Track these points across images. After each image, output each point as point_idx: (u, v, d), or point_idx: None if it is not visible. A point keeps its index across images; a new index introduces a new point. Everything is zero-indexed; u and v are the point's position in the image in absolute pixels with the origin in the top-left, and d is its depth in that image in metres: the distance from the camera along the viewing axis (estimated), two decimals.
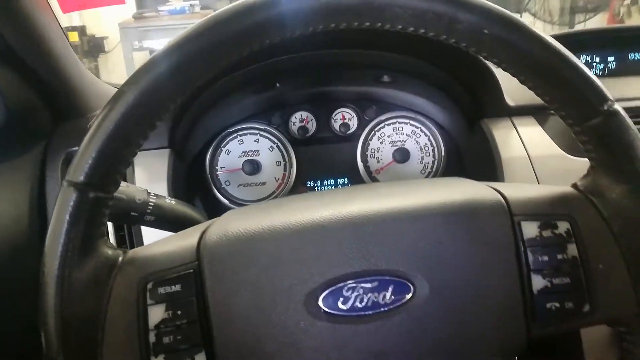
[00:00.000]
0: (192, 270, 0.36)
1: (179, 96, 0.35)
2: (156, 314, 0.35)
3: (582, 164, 0.61)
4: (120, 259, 0.37)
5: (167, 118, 0.64)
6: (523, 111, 0.65)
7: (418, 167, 0.77)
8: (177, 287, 0.36)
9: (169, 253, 0.38)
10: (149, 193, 0.48)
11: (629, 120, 0.36)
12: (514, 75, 0.37)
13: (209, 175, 0.76)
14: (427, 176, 0.77)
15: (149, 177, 0.63)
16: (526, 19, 3.31)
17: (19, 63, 0.60)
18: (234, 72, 0.66)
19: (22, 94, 0.62)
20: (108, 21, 3.31)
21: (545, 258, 0.36)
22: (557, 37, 0.69)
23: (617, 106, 0.36)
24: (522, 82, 0.37)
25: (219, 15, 0.34)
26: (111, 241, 0.45)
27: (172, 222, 0.49)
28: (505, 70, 0.37)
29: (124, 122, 0.34)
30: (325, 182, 0.78)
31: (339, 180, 0.78)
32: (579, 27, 3.27)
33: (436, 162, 0.76)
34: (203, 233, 0.38)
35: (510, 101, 0.64)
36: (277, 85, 0.70)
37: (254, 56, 0.64)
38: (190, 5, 3.18)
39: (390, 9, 0.34)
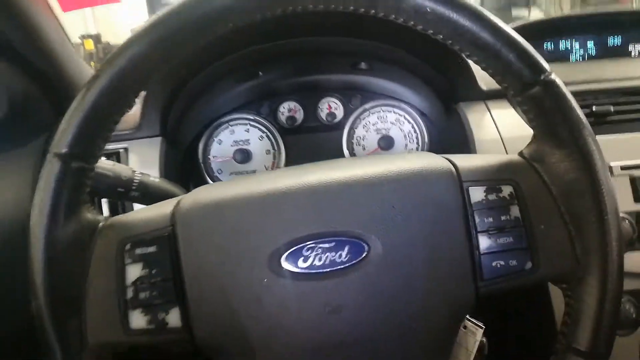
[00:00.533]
0: (166, 234, 0.39)
1: (149, 76, 0.39)
2: (133, 271, 0.39)
3: None
4: (101, 224, 0.41)
5: (157, 107, 0.68)
6: (497, 94, 0.67)
7: None
8: (153, 249, 0.39)
9: (146, 219, 0.41)
10: (134, 171, 0.52)
11: (565, 89, 0.38)
12: (460, 52, 0.40)
13: (202, 164, 0.79)
14: None
15: (141, 163, 0.67)
16: (535, 14, 3.28)
17: (20, 58, 0.65)
18: (217, 60, 0.70)
19: (23, 87, 0.66)
20: (122, 29, 3.41)
21: (490, 219, 0.39)
22: (537, 23, 0.71)
23: (554, 76, 0.38)
24: (467, 57, 0.40)
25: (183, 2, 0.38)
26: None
27: (156, 198, 0.53)
28: (451, 46, 0.40)
29: (101, 99, 0.38)
30: None
31: None
32: None
33: (419, 148, 0.79)
34: (177, 203, 0.42)
35: (483, 85, 0.67)
36: (260, 73, 0.74)
37: (235, 44, 0.68)
38: None
39: None
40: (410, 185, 0.40)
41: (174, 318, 0.38)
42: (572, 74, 0.72)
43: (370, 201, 0.39)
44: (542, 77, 0.38)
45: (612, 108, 0.66)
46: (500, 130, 0.64)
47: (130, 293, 0.38)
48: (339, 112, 0.80)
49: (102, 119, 0.39)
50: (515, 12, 3.43)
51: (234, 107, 0.79)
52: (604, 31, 0.77)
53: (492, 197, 0.39)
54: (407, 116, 0.79)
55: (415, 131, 0.79)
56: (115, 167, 0.50)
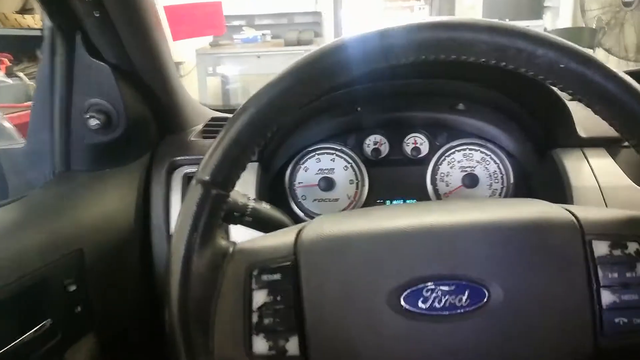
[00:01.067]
0: (289, 263, 0.42)
1: (288, 111, 0.42)
2: (259, 297, 0.41)
3: None
4: (231, 249, 0.44)
5: None
6: (594, 142, 0.67)
7: (486, 193, 0.79)
8: (277, 276, 0.41)
9: (271, 247, 0.44)
10: (248, 198, 0.55)
11: None
12: (587, 106, 0.40)
13: (288, 189, 0.82)
14: None
15: (240, 186, 0.70)
16: (599, 55, 3.22)
17: (139, 80, 0.70)
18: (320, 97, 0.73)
19: (138, 108, 0.71)
20: (184, 48, 3.56)
21: (615, 275, 0.39)
22: (630, 73, 0.70)
23: None
24: (595, 113, 0.41)
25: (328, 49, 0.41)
26: None
27: (266, 224, 0.55)
28: (579, 101, 0.41)
29: (244, 132, 0.41)
30: (395, 202, 0.82)
31: (407, 201, 0.82)
32: None
33: (505, 189, 0.79)
34: (299, 232, 0.44)
35: (582, 132, 0.67)
36: (358, 109, 0.76)
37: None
38: (262, 34, 3.37)
39: (477, 45, 0.39)
40: (531, 234, 0.40)
41: (292, 346, 0.39)
42: None
43: (491, 246, 0.40)
44: None
45: None
46: (599, 179, 0.64)
47: (255, 318, 0.40)
48: (424, 148, 0.81)
49: (243, 150, 0.42)
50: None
51: (322, 137, 0.82)
52: None
53: (617, 252, 0.39)
54: (493, 156, 0.79)
55: (501, 172, 0.79)
56: (233, 192, 0.53)
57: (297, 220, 0.81)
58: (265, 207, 0.56)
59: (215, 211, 0.42)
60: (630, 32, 3.13)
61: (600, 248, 0.40)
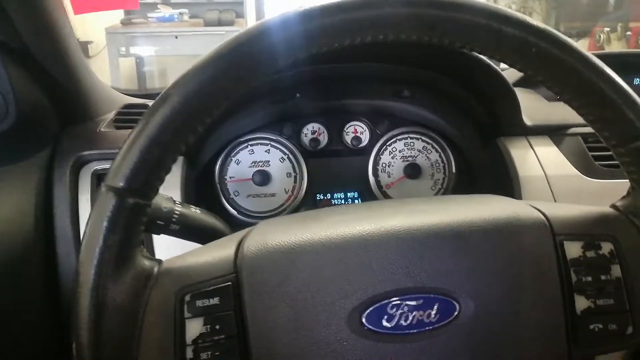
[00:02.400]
0: (230, 283, 0.35)
1: (220, 102, 0.35)
2: (194, 327, 0.34)
3: (598, 185, 0.63)
4: (155, 269, 0.36)
5: None
6: (539, 131, 0.66)
7: (429, 184, 0.77)
8: (216, 300, 0.35)
9: (205, 264, 0.36)
10: (174, 201, 0.47)
11: None
12: (557, 94, 0.37)
13: (218, 185, 0.74)
14: (437, 192, 0.77)
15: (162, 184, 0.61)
16: None
17: (32, 62, 0.58)
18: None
19: (33, 95, 0.59)
20: (93, 26, 3.26)
21: (589, 278, 0.36)
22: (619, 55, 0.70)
23: None
24: (565, 101, 0.38)
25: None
26: None
27: (197, 232, 0.48)
28: (548, 88, 0.37)
29: (168, 126, 0.33)
30: (336, 195, 0.77)
31: (349, 194, 0.77)
32: None
33: (446, 179, 0.77)
34: (240, 244, 0.37)
35: (527, 120, 0.65)
36: (297, 95, 0.69)
37: None
38: (180, 13, 3.16)
39: (442, 24, 0.34)
40: (501, 237, 0.37)
41: None
42: None
43: (460, 253, 0.36)
44: None
45: None
46: (545, 168, 0.63)
47: (190, 353, 0.33)
48: (365, 137, 0.77)
49: (167, 148, 0.34)
50: None
51: (255, 127, 0.74)
52: (630, 72, 0.78)
53: (590, 254, 0.37)
54: (434, 144, 0.77)
55: (442, 161, 0.77)
56: (156, 196, 0.45)
57: (230, 219, 0.74)
58: (194, 211, 0.48)
59: (134, 225, 0.34)
60: (537, 21, 3.33)
61: (573, 249, 0.37)
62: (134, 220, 0.34)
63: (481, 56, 0.59)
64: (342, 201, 0.77)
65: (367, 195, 0.77)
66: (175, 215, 0.46)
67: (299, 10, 0.34)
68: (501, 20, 0.34)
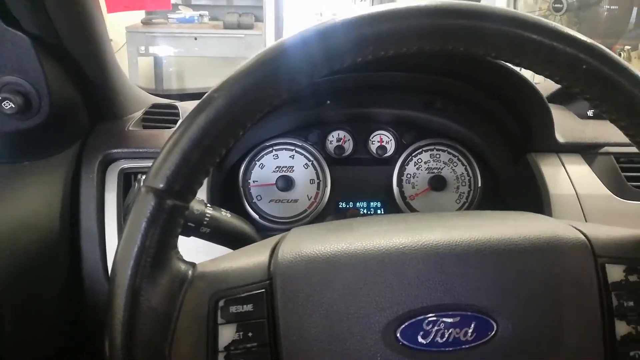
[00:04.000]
0: (264, 290, 0.34)
1: (263, 107, 0.34)
2: (227, 334, 0.33)
3: (630, 207, 0.62)
4: (190, 272, 0.35)
5: None
6: (571, 148, 0.65)
7: (453, 197, 0.76)
8: (249, 307, 0.34)
9: (240, 269, 0.36)
10: (206, 204, 0.46)
11: None
12: (603, 112, 0.36)
13: (242, 188, 0.74)
14: (462, 206, 0.76)
15: None
16: None
17: (67, 59, 0.58)
18: None
19: (66, 91, 0.60)
20: (113, 24, 3.29)
21: (631, 303, 0.35)
22: None
23: None
24: (612, 121, 0.37)
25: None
26: None
27: (227, 237, 0.47)
28: (595, 107, 0.37)
29: (211, 130, 0.33)
30: (358, 204, 0.77)
31: (372, 204, 0.77)
32: None
33: (472, 192, 0.76)
34: (274, 250, 0.37)
35: (559, 137, 0.64)
36: (328, 102, 0.69)
37: None
38: (200, 15, 3.19)
39: (491, 37, 0.34)
40: (542, 257, 0.36)
41: None
42: None
43: (499, 271, 0.35)
44: None
45: None
46: (576, 187, 0.62)
47: (221, 359, 0.33)
48: (390, 147, 0.76)
49: (208, 152, 0.34)
50: None
51: (281, 131, 0.74)
52: None
53: (633, 278, 0.36)
54: (460, 157, 0.76)
55: (468, 174, 0.76)
56: None
57: (251, 224, 0.73)
58: (225, 215, 0.48)
59: (171, 227, 0.34)
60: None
61: (614, 273, 0.36)
62: (172, 222, 0.34)
63: (515, 68, 0.58)
64: (365, 210, 0.77)
65: (390, 205, 0.76)
66: (206, 218, 0.45)
67: (336, 20, 0.33)
68: (553, 35, 0.34)
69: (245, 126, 0.34)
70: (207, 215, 0.45)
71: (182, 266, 0.35)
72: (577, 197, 0.61)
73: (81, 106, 0.64)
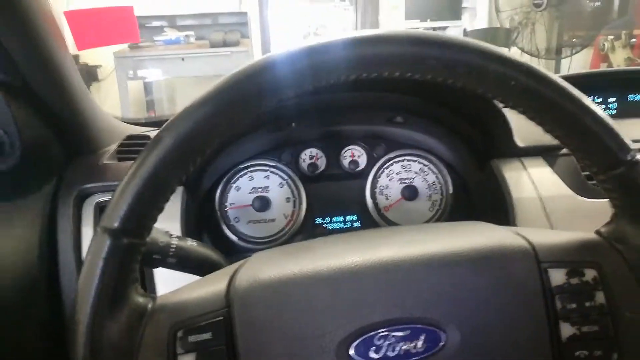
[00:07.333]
0: (222, 318, 0.36)
1: (213, 141, 0.36)
2: None
3: (592, 205, 0.64)
4: (150, 305, 0.37)
5: None
6: (532, 152, 0.67)
7: (426, 205, 0.77)
8: (208, 335, 0.35)
9: (198, 299, 0.37)
10: (170, 235, 0.48)
11: None
12: (538, 124, 0.38)
13: (219, 212, 0.75)
14: (435, 214, 0.77)
15: (162, 215, 0.63)
16: (514, 52, 3.39)
17: (34, 98, 0.60)
18: None
19: (36, 129, 0.61)
20: (101, 50, 3.32)
21: (574, 305, 0.36)
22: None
23: None
24: (546, 131, 0.38)
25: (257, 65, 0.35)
26: None
27: (194, 265, 0.49)
28: (530, 119, 0.38)
29: (161, 168, 0.34)
30: (335, 218, 0.78)
31: (347, 217, 0.78)
32: (565, 61, 3.37)
33: (444, 200, 0.77)
34: (232, 278, 0.38)
35: (519, 142, 0.66)
36: (293, 125, 0.71)
37: None
38: (186, 35, 3.22)
39: (425, 62, 0.35)
40: (487, 266, 0.37)
41: None
42: None
43: (446, 283, 0.36)
44: (629, 157, 0.36)
45: None
46: (539, 189, 0.63)
47: None
48: (362, 161, 0.78)
49: (159, 189, 0.35)
50: None
51: (254, 153, 0.76)
52: (626, 90, 0.78)
53: (574, 281, 0.37)
54: (431, 166, 0.78)
55: (439, 182, 0.77)
56: (152, 230, 0.46)
57: (231, 246, 0.75)
58: (191, 244, 0.49)
59: (128, 264, 0.35)
60: (540, 31, 3.34)
61: (557, 276, 0.37)
62: (129, 260, 0.35)
63: None
64: (342, 224, 0.78)
65: (365, 218, 0.78)
66: (172, 249, 0.47)
67: (294, 49, 0.35)
68: (482, 56, 0.35)
69: (195, 161, 0.35)
70: (172, 245, 0.47)
71: (142, 300, 0.37)
72: (540, 199, 0.63)
73: (54, 144, 0.65)
